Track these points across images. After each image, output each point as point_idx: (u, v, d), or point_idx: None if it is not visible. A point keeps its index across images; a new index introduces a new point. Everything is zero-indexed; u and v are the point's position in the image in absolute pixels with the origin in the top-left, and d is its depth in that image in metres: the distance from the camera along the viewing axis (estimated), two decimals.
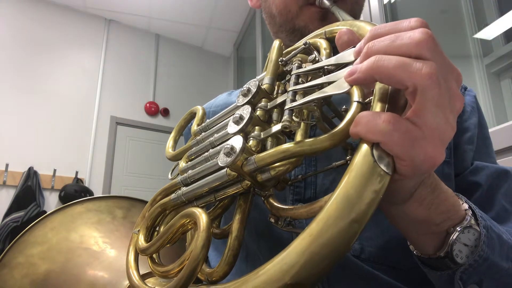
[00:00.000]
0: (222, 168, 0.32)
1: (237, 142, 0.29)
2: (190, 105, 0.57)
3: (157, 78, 4.00)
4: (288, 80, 0.34)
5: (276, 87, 0.36)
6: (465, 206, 0.33)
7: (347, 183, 0.23)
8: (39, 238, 0.51)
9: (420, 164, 0.24)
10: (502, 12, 1.38)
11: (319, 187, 0.49)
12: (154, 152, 3.78)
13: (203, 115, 0.50)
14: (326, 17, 0.52)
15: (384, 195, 0.23)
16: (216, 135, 0.38)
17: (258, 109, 0.33)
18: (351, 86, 0.26)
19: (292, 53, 0.37)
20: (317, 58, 0.33)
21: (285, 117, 0.28)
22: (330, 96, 0.27)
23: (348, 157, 0.28)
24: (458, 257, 0.31)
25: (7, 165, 3.05)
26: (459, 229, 0.31)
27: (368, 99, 0.28)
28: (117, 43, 3.85)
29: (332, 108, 0.33)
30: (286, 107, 0.29)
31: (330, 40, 0.37)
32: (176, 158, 0.48)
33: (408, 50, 0.24)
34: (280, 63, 0.37)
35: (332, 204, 0.22)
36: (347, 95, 0.27)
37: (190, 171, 0.37)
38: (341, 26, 0.36)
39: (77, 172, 3.32)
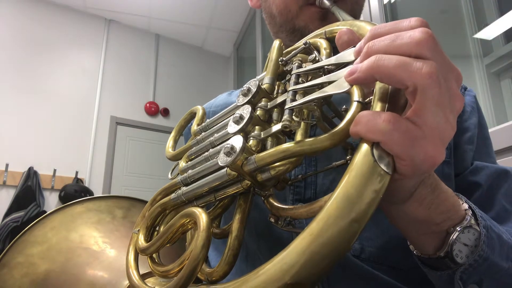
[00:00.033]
0: (222, 167, 0.32)
1: (237, 141, 0.29)
2: (190, 105, 0.57)
3: (157, 78, 4.00)
4: (288, 80, 0.34)
5: (276, 87, 0.36)
6: (465, 206, 0.33)
7: (347, 182, 0.23)
8: (39, 238, 0.51)
9: (420, 164, 0.24)
10: (502, 12, 1.38)
11: (319, 187, 0.49)
12: (154, 152, 3.78)
13: (203, 115, 0.50)
14: (326, 17, 0.52)
15: (384, 195, 0.23)
16: (216, 135, 0.38)
17: (258, 108, 0.33)
18: (351, 85, 0.26)
19: (292, 53, 0.37)
20: (317, 58, 0.33)
21: (285, 116, 0.28)
22: (330, 96, 0.27)
23: (348, 157, 0.28)
24: (458, 257, 0.31)
25: (7, 165, 3.05)
26: (459, 229, 0.31)
27: (368, 98, 0.28)
28: (117, 43, 3.85)
29: (332, 107, 0.33)
30: (286, 106, 0.29)
31: (330, 40, 0.37)
32: (176, 158, 0.48)
33: (408, 49, 0.24)
34: (280, 62, 0.37)
35: (332, 204, 0.22)
36: (347, 95, 0.27)
37: (190, 171, 0.37)
38: (341, 26, 0.36)
39: (77, 172, 3.32)
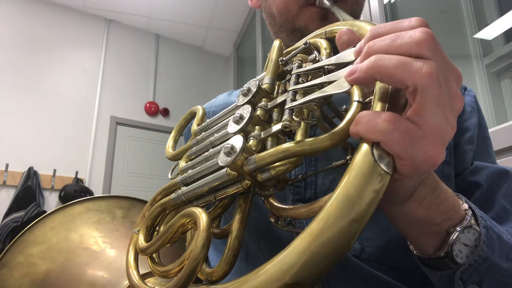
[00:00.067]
0: (222, 167, 0.32)
1: (237, 141, 0.29)
2: (190, 105, 0.57)
3: (157, 78, 4.00)
4: (288, 80, 0.34)
5: (276, 87, 0.36)
6: (465, 206, 0.33)
7: (347, 182, 0.23)
8: (39, 237, 0.51)
9: (420, 164, 0.24)
10: (502, 12, 1.38)
11: (319, 187, 0.49)
12: (154, 152, 3.78)
13: (203, 115, 0.50)
14: (326, 17, 0.52)
15: (384, 195, 0.23)
16: (216, 135, 0.38)
17: (258, 108, 0.33)
18: (352, 85, 0.26)
19: (292, 52, 0.37)
20: (317, 58, 0.33)
21: (285, 116, 0.28)
22: (330, 96, 0.27)
23: (348, 157, 0.28)
24: (458, 257, 0.31)
25: (7, 165, 3.05)
26: (459, 229, 0.31)
27: (368, 98, 0.28)
28: (117, 43, 3.85)
29: (332, 107, 0.33)
30: (287, 106, 0.29)
31: (330, 40, 0.37)
32: (176, 158, 0.48)
33: (408, 49, 0.24)
34: (280, 62, 0.37)
35: (332, 204, 0.22)
36: (347, 95, 0.27)
37: (190, 171, 0.37)
38: (341, 26, 0.36)
39: (77, 172, 3.32)
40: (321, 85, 0.29)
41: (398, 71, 0.24)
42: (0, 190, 3.02)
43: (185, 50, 4.25)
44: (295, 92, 0.30)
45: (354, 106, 0.26)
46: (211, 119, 0.44)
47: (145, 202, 0.59)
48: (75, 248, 0.51)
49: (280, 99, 0.32)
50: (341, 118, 0.28)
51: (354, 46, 0.29)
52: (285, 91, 0.34)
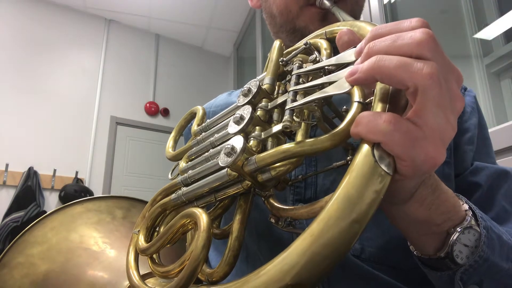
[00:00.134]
0: (222, 168, 0.32)
1: (237, 142, 0.29)
2: (190, 105, 0.57)
3: (157, 78, 4.00)
4: (289, 80, 0.34)
5: (276, 87, 0.36)
6: (466, 206, 0.33)
7: (348, 183, 0.23)
8: (39, 238, 0.51)
9: (420, 165, 0.24)
10: (502, 12, 1.38)
11: (319, 187, 0.49)
12: (154, 152, 3.78)
13: (203, 115, 0.50)
14: (327, 18, 0.52)
15: (385, 195, 0.23)
16: (216, 135, 0.38)
17: (259, 109, 0.33)
18: (352, 86, 0.26)
19: (293, 53, 0.37)
20: (317, 58, 0.33)
21: (286, 117, 0.28)
22: (330, 96, 0.27)
23: (348, 157, 0.28)
24: (459, 257, 0.31)
25: (7, 165, 3.05)
26: (459, 230, 0.31)
27: (368, 99, 0.28)
28: (117, 43, 3.85)
29: (333, 108, 0.33)
30: (287, 107, 0.29)
31: (331, 40, 0.37)
32: (176, 158, 0.48)
33: (409, 50, 0.24)
34: (280, 63, 0.37)
35: (333, 205, 0.22)
36: (348, 96, 0.27)
37: (190, 171, 0.37)
38: (342, 27, 0.36)
39: (77, 172, 3.32)
40: (322, 86, 0.29)
41: (399, 72, 0.23)
42: (0, 190, 3.02)
43: (185, 50, 4.25)
44: (295, 92, 0.30)
45: (354, 107, 0.26)
46: (211, 119, 0.44)
47: (145, 202, 0.59)
48: (75, 248, 0.51)
49: (280, 100, 0.32)
50: (342, 118, 0.28)
51: (355, 47, 0.29)
52: (285, 91, 0.34)
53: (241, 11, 3.68)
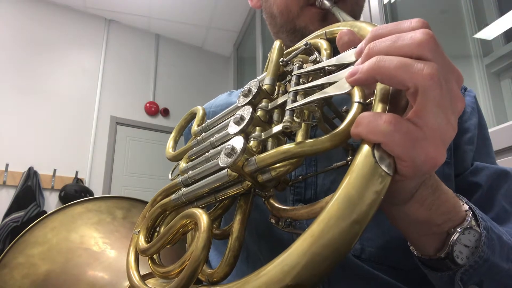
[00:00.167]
0: (222, 168, 0.32)
1: (238, 142, 0.29)
2: (190, 105, 0.57)
3: (157, 78, 4.00)
4: (289, 81, 0.34)
5: (276, 88, 0.36)
6: (466, 207, 0.33)
7: (348, 183, 0.23)
8: (39, 238, 0.51)
9: (421, 165, 0.24)
10: (502, 12, 1.38)
11: (319, 188, 0.49)
12: (154, 152, 3.78)
13: (203, 116, 0.50)
14: (327, 18, 0.52)
15: (385, 196, 0.23)
16: (216, 136, 0.38)
17: (259, 109, 0.33)
18: (352, 86, 0.26)
19: (293, 53, 0.37)
20: (318, 59, 0.33)
21: (286, 117, 0.28)
22: (331, 97, 0.27)
23: (349, 158, 0.28)
24: (459, 258, 0.31)
25: (7, 165, 3.05)
26: (459, 230, 0.31)
27: (369, 99, 0.28)
28: (117, 43, 3.85)
29: (333, 108, 0.33)
30: (287, 107, 0.29)
31: (331, 40, 0.37)
32: (176, 158, 0.48)
33: (409, 50, 0.24)
34: (280, 63, 0.37)
35: (333, 205, 0.22)
36: (348, 96, 0.27)
37: (190, 172, 0.37)
38: (342, 27, 0.36)
39: (77, 172, 3.32)
40: (322, 86, 0.29)
41: (399, 72, 0.23)
42: (0, 190, 3.02)
43: (185, 50, 4.25)
44: (295, 93, 0.30)
45: (355, 107, 0.26)
46: (212, 119, 0.44)
47: (145, 202, 0.59)
48: (76, 248, 0.51)
49: (280, 100, 0.32)
50: (342, 119, 0.28)
51: (355, 47, 0.29)
52: (285, 92, 0.34)
53: (241, 11, 3.68)
